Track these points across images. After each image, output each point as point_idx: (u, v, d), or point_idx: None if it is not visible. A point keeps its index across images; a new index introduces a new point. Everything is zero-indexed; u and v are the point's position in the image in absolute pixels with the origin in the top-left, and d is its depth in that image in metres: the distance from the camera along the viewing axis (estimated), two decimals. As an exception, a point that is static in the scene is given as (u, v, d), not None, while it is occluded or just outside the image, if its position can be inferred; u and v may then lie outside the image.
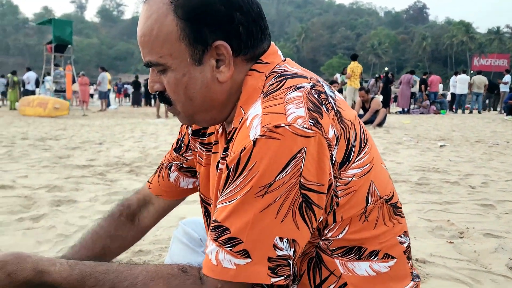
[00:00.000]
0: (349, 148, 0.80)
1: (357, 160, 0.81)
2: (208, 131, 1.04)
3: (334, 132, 0.76)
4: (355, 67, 12.14)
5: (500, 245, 2.08)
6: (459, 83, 16.95)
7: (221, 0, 0.80)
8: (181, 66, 0.82)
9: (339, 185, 0.78)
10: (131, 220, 1.15)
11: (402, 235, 0.90)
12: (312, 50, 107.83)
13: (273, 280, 0.73)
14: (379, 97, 13.34)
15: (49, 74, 16.02)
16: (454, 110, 17.50)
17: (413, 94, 17.23)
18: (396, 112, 15.99)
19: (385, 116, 9.13)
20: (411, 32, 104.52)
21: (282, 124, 0.71)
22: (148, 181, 1.18)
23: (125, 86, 26.29)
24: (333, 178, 0.77)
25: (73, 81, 16.19)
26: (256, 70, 0.85)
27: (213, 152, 1.01)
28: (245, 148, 0.72)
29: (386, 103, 15.65)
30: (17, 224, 2.31)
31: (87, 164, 4.23)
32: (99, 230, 1.11)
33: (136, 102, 21.22)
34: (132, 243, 1.18)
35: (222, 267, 0.73)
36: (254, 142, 0.71)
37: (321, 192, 0.75)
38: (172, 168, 1.15)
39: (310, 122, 0.72)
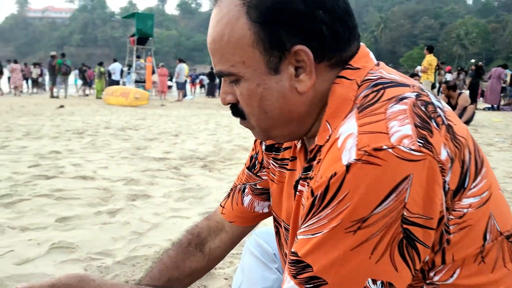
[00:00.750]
0: (464, 172, 0.64)
1: (474, 187, 0.65)
2: (284, 146, 0.92)
3: (448, 153, 0.62)
4: (432, 59, 11.36)
5: None
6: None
7: None
8: (255, 75, 0.71)
9: (452, 218, 0.64)
10: (201, 250, 1.06)
11: None
12: (391, 41, 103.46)
13: None
14: (466, 92, 12.37)
15: (130, 65, 16.92)
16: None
17: (503, 89, 15.79)
18: (484, 109, 14.76)
19: (474, 113, 8.41)
20: (503, 20, 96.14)
21: (385, 147, 0.58)
22: (220, 205, 1.09)
23: (201, 77, 27.05)
24: (445, 210, 0.62)
25: (153, 72, 16.93)
26: (346, 77, 0.71)
27: (289, 170, 0.89)
28: (335, 174, 0.60)
29: (473, 99, 14.50)
30: (95, 218, 2.36)
31: (162, 156, 4.31)
32: (166, 260, 1.03)
33: (210, 93, 21.71)
34: (201, 274, 1.09)
35: None
36: (348, 167, 0.59)
37: (429, 227, 0.61)
38: (246, 191, 1.05)
39: (418, 142, 0.59)
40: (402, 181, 0.57)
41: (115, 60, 19.28)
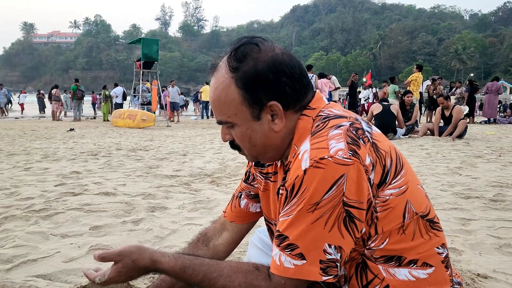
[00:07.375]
0: (385, 172, 0.99)
1: (394, 182, 1.00)
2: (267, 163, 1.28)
3: (371, 160, 0.95)
4: (417, 77, 11.93)
5: None
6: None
7: (270, 70, 1.01)
8: (244, 122, 1.05)
9: (377, 202, 0.98)
10: (206, 245, 1.41)
11: (440, 247, 1.06)
12: (390, 57, 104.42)
13: (324, 278, 0.94)
14: (465, 108, 12.73)
15: (135, 89, 17.62)
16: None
17: (500, 102, 16.21)
18: (480, 122, 15.11)
19: (466, 127, 8.79)
20: (500, 34, 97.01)
21: (326, 156, 0.92)
22: (223, 211, 1.45)
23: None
24: (372, 197, 0.96)
25: (159, 95, 17.42)
26: (306, 114, 1.07)
27: (272, 181, 1.25)
28: (298, 176, 0.93)
29: (471, 113, 14.90)
30: (122, 226, 2.74)
31: (174, 174, 4.70)
32: (181, 251, 1.38)
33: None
34: None
35: (284, 267, 0.95)
36: (305, 171, 0.92)
37: (361, 208, 0.95)
38: (242, 196, 1.40)
39: (349, 153, 0.92)
40: (339, 178, 0.91)
41: (116, 85, 19.83)
